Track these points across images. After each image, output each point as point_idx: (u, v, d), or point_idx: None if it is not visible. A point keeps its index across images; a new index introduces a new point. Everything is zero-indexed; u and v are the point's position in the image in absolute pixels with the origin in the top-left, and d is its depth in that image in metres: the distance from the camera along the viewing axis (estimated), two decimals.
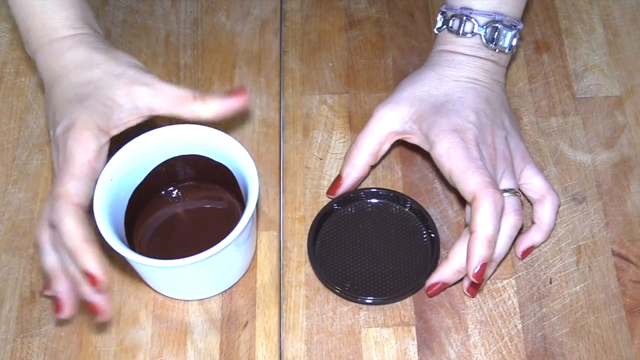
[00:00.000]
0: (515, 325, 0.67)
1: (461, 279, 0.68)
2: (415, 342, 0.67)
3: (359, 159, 0.72)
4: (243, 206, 0.68)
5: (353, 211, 0.73)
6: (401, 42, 0.84)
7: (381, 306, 0.69)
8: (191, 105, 0.67)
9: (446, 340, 0.67)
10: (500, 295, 0.69)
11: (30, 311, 0.69)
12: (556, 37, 0.84)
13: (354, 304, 0.69)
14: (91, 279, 0.61)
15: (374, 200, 0.73)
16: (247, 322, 0.68)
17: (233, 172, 0.68)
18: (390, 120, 0.71)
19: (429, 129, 0.69)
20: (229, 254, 0.64)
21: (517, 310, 0.68)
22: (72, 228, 0.62)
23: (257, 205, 0.65)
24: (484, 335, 0.67)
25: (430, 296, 0.68)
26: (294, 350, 0.67)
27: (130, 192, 0.68)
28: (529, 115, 0.78)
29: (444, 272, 0.67)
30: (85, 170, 0.64)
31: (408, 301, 0.69)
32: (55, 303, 0.64)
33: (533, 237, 0.70)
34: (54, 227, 0.63)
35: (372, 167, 0.74)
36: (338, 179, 0.73)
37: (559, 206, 0.71)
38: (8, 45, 0.85)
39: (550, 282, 0.70)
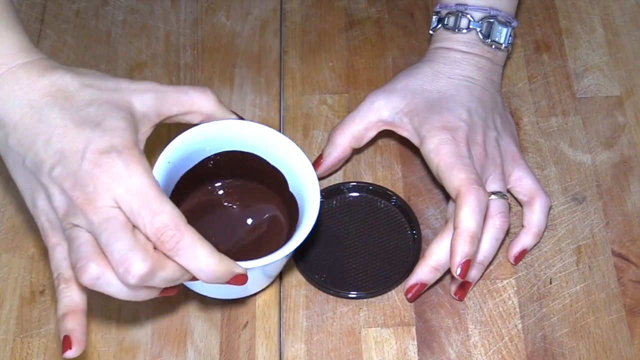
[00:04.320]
0: (515, 325, 0.67)
1: (439, 280, 0.68)
2: (415, 342, 0.67)
3: (341, 139, 0.72)
4: (290, 214, 0.67)
5: (337, 204, 0.73)
6: (401, 42, 0.84)
7: (381, 306, 0.69)
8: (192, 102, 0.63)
9: (446, 340, 0.67)
10: (500, 295, 0.69)
11: (30, 311, 0.69)
12: (556, 37, 0.84)
13: (353, 303, 0.69)
14: (239, 279, 0.58)
15: (358, 194, 0.73)
16: (247, 322, 0.68)
17: (286, 176, 0.66)
18: (381, 108, 0.71)
19: (421, 125, 0.69)
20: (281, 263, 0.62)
21: (517, 310, 0.68)
22: (208, 251, 0.56)
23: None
24: (484, 335, 0.67)
25: (410, 300, 0.68)
26: (294, 350, 0.67)
27: (177, 180, 0.65)
28: (529, 115, 0.78)
29: (422, 271, 0.67)
30: (160, 188, 0.57)
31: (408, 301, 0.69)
32: None
33: (523, 240, 0.70)
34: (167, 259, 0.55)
35: (356, 150, 0.74)
36: (319, 157, 0.73)
37: (550, 207, 0.71)
38: None
39: (550, 282, 0.70)
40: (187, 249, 0.55)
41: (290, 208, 0.67)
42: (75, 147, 0.56)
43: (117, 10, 0.87)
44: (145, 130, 0.61)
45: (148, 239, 0.55)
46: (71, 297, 0.57)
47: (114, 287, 0.55)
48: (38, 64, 0.59)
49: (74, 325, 0.56)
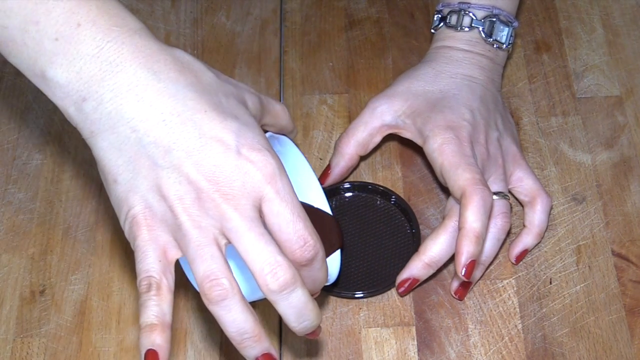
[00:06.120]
0: (515, 325, 0.67)
1: (435, 275, 0.68)
2: (415, 342, 0.67)
3: (348, 148, 0.72)
4: None
5: (336, 204, 0.73)
6: (401, 42, 0.84)
7: (381, 306, 0.69)
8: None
9: (446, 340, 0.67)
10: (500, 295, 0.69)
11: (30, 311, 0.69)
12: (556, 37, 0.84)
13: (353, 303, 0.69)
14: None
15: (357, 194, 0.74)
16: None
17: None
18: (383, 113, 0.71)
19: (424, 124, 0.69)
20: None
21: (517, 310, 0.68)
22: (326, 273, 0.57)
23: None
24: (484, 335, 0.67)
25: (402, 294, 0.68)
26: (294, 350, 0.67)
27: None
28: (529, 115, 0.78)
29: (414, 267, 0.67)
30: None
31: (408, 301, 0.69)
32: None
33: (525, 240, 0.70)
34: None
35: (362, 157, 0.74)
36: (327, 168, 0.74)
37: (551, 207, 0.71)
38: None
39: (550, 282, 0.70)
40: (318, 263, 0.54)
41: None
42: (220, 136, 0.51)
43: None
44: None
45: (280, 243, 0.52)
46: (161, 308, 0.52)
47: (232, 314, 0.52)
48: (150, 34, 0.53)
49: (162, 341, 0.51)
